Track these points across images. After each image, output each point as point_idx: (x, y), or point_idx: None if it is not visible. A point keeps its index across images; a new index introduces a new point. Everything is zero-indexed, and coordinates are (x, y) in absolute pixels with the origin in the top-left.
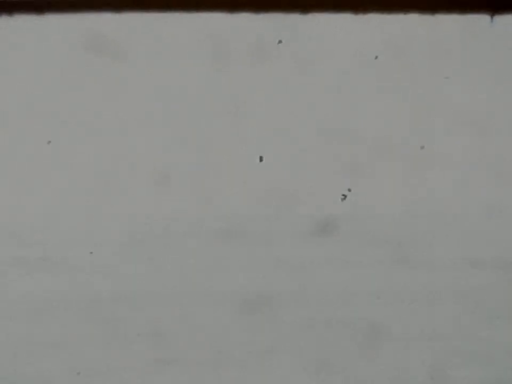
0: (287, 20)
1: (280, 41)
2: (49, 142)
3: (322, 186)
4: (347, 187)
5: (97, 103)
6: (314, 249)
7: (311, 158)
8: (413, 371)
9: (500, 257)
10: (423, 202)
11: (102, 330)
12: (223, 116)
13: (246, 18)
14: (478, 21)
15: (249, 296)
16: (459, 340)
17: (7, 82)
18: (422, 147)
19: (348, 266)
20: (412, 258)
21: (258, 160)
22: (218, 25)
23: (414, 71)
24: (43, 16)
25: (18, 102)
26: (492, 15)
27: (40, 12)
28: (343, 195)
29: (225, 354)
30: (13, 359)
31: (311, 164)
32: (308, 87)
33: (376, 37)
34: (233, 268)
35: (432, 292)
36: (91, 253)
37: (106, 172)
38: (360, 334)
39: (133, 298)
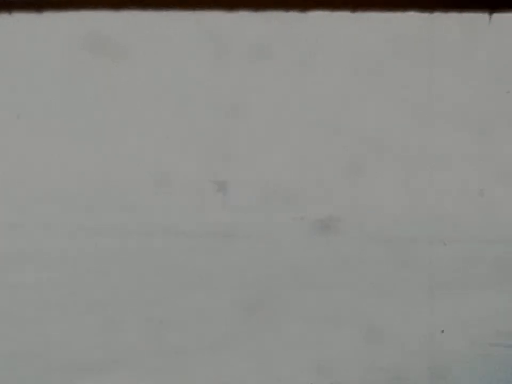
0: (287, 18)
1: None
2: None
3: (322, 186)
4: (347, 187)
5: (96, 101)
6: (314, 249)
7: (311, 158)
8: (413, 367)
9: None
10: (423, 202)
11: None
12: (223, 114)
13: (246, 17)
14: (476, 20)
15: (249, 295)
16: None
17: (6, 80)
18: (422, 146)
19: (348, 265)
20: (412, 258)
21: (258, 159)
22: (219, 24)
23: (413, 70)
24: (42, 15)
25: (17, 99)
26: (490, 14)
27: (39, 10)
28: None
29: (225, 354)
30: None
31: (311, 163)
32: (308, 87)
33: (375, 35)
34: (233, 267)
35: (432, 288)
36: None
37: (106, 171)
38: (360, 332)
39: (133, 298)
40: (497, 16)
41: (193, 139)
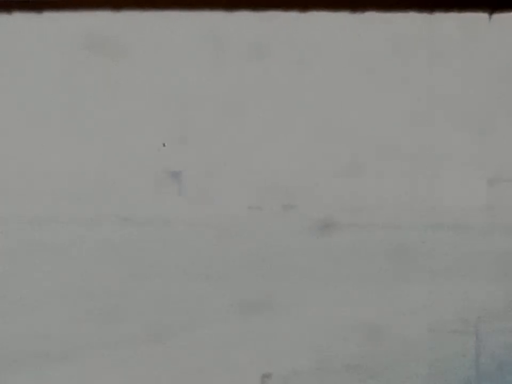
0: (287, 18)
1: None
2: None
3: (322, 186)
4: (347, 187)
5: (96, 101)
6: (314, 249)
7: (311, 158)
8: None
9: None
10: (423, 201)
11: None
12: (223, 115)
13: (245, 17)
14: (476, 20)
15: (248, 295)
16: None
17: (6, 80)
18: (422, 146)
19: (348, 265)
20: (411, 258)
21: (257, 159)
22: (218, 24)
23: (413, 70)
24: (42, 15)
25: (17, 100)
26: (490, 14)
27: (39, 11)
28: None
29: (224, 355)
30: None
31: (311, 164)
32: (308, 87)
33: (375, 35)
34: (232, 267)
35: (432, 292)
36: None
37: (106, 170)
38: (359, 334)
39: (134, 300)
40: (497, 16)
41: (193, 138)
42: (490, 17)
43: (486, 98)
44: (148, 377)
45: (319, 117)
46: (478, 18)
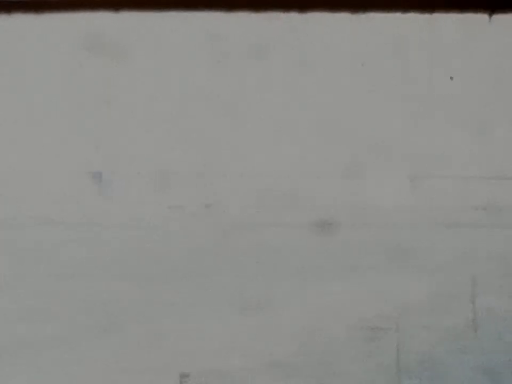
0: (286, 19)
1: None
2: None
3: (322, 186)
4: (347, 187)
5: (96, 103)
6: (313, 250)
7: (311, 158)
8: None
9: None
10: (423, 202)
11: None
12: (222, 116)
13: (245, 17)
14: (476, 20)
15: (248, 297)
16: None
17: (5, 82)
18: (422, 146)
19: (348, 267)
20: (411, 259)
21: (257, 159)
22: (218, 25)
23: (413, 71)
24: (42, 16)
25: (17, 101)
26: (490, 14)
27: (39, 11)
28: None
29: (224, 356)
30: None
31: (311, 164)
32: (308, 87)
33: (375, 35)
34: (231, 268)
35: (433, 292)
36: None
37: (105, 171)
38: (360, 335)
39: (133, 302)
40: (497, 17)
41: (192, 138)
42: (490, 18)
43: (486, 99)
44: (73, 377)
45: (319, 117)
46: (478, 18)
